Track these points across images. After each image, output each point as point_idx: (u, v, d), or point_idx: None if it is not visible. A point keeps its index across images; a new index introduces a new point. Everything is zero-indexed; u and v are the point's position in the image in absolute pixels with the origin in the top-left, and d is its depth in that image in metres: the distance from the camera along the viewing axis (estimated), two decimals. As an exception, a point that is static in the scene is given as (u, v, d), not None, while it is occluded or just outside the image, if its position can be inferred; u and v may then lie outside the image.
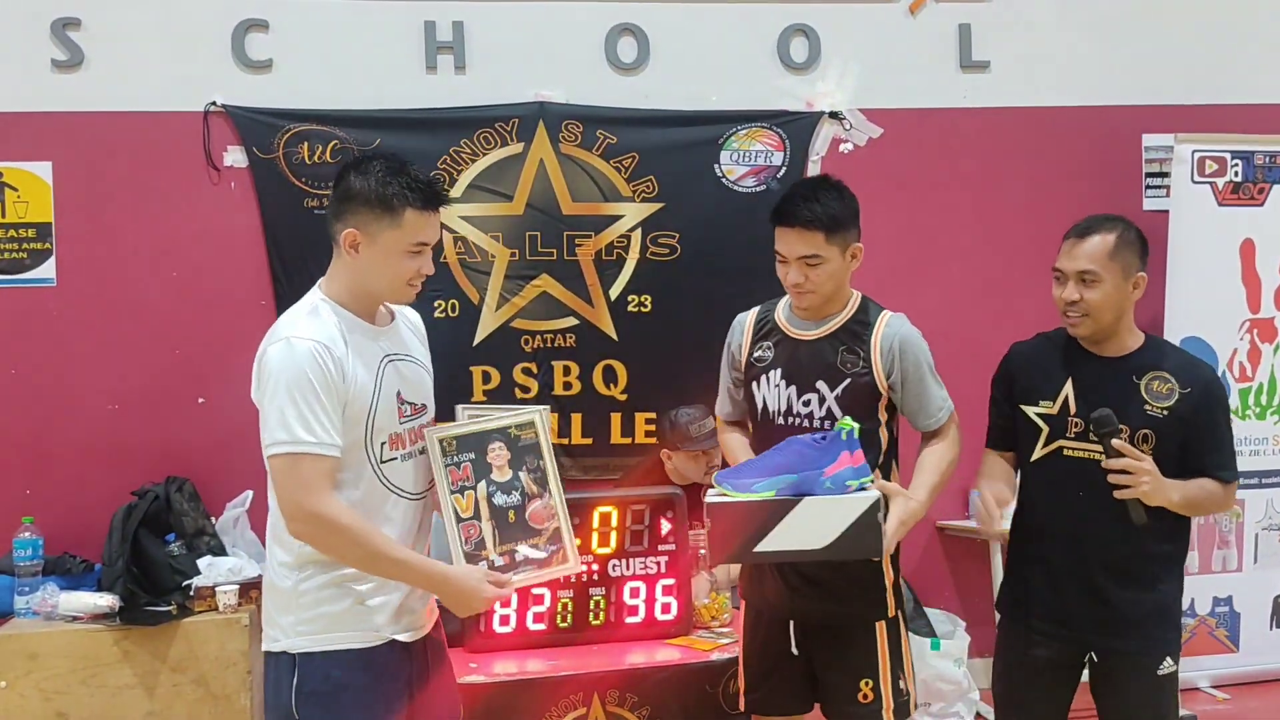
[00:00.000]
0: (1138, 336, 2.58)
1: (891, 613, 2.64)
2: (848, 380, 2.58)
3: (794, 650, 2.64)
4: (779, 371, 2.63)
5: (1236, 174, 4.41)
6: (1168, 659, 2.51)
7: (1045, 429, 2.56)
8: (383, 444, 2.19)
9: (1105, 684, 2.54)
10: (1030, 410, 2.59)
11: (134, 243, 4.07)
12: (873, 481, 2.42)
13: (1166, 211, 4.44)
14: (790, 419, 2.61)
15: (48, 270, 4.02)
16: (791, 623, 2.64)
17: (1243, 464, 4.41)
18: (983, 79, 4.57)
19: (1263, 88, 4.72)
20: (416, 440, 2.27)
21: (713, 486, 2.51)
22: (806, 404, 2.59)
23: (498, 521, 2.32)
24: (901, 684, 2.64)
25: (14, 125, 3.99)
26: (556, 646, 3.21)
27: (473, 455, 2.32)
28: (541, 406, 2.45)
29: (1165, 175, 4.52)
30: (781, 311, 2.72)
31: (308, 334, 2.11)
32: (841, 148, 4.49)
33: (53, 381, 4.03)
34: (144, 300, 4.08)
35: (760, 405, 2.66)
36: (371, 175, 2.16)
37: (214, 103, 4.08)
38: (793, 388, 2.61)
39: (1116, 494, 2.41)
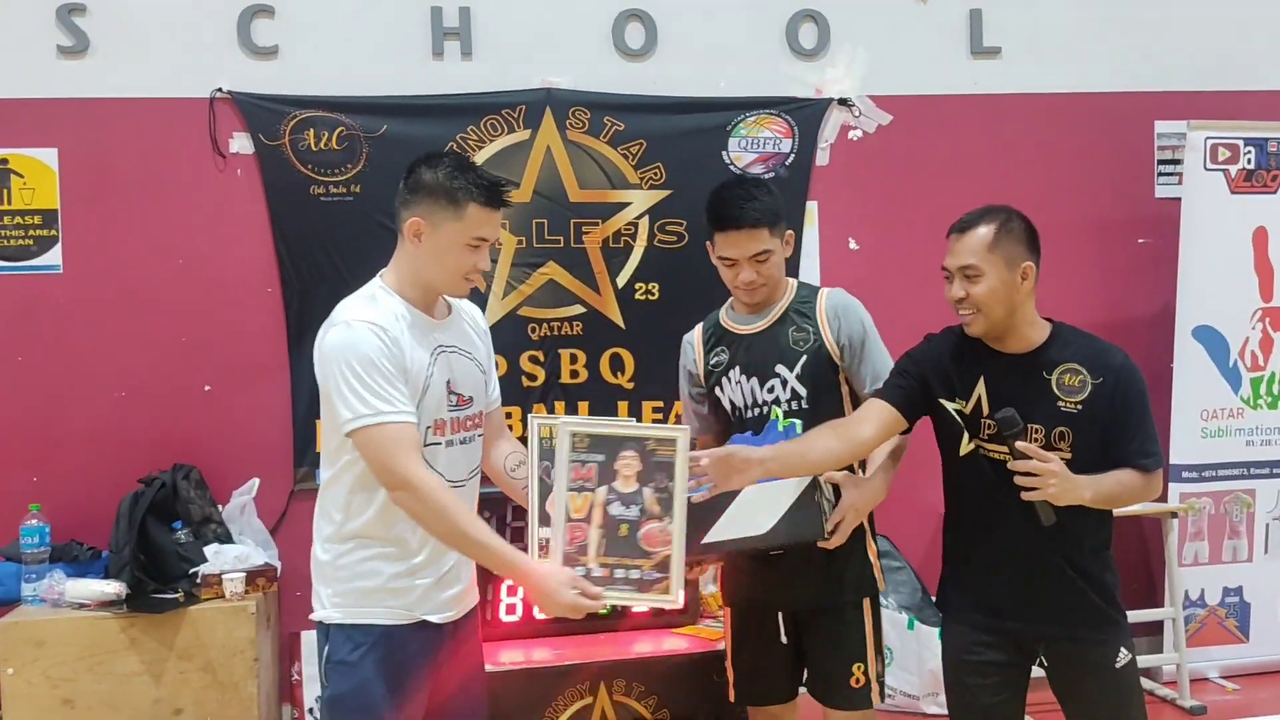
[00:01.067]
0: (1042, 328, 2.49)
1: (882, 587, 2.71)
2: (804, 357, 2.64)
3: (783, 640, 2.65)
4: (737, 369, 2.68)
5: (1249, 161, 4.37)
6: (1122, 649, 2.44)
7: (964, 427, 2.48)
8: (428, 428, 2.26)
9: (1063, 683, 2.48)
10: (949, 405, 2.50)
11: (140, 229, 4.05)
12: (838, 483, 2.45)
13: (1179, 199, 4.42)
14: (757, 409, 2.65)
15: (54, 257, 4.00)
16: (780, 613, 2.65)
17: (1254, 454, 4.46)
18: (993, 65, 4.54)
19: (1275, 75, 4.68)
20: (460, 430, 2.33)
21: None
22: (770, 390, 2.65)
23: (608, 531, 2.27)
24: (879, 664, 2.70)
25: (20, 111, 3.97)
26: (563, 635, 3.22)
27: (601, 458, 2.28)
28: (686, 428, 2.39)
29: (1178, 162, 4.49)
30: (725, 316, 2.80)
31: (365, 317, 2.20)
32: (850, 135, 4.46)
33: (59, 369, 4.01)
34: (150, 287, 4.06)
35: (728, 406, 2.70)
36: (441, 169, 2.28)
37: (220, 89, 4.06)
38: (754, 379, 2.66)
39: (1024, 495, 2.32)
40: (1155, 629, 4.41)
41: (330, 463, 2.30)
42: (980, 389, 2.47)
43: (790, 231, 2.75)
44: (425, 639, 2.27)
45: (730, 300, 2.82)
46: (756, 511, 2.40)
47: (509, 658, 3.02)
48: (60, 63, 3.99)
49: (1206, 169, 4.34)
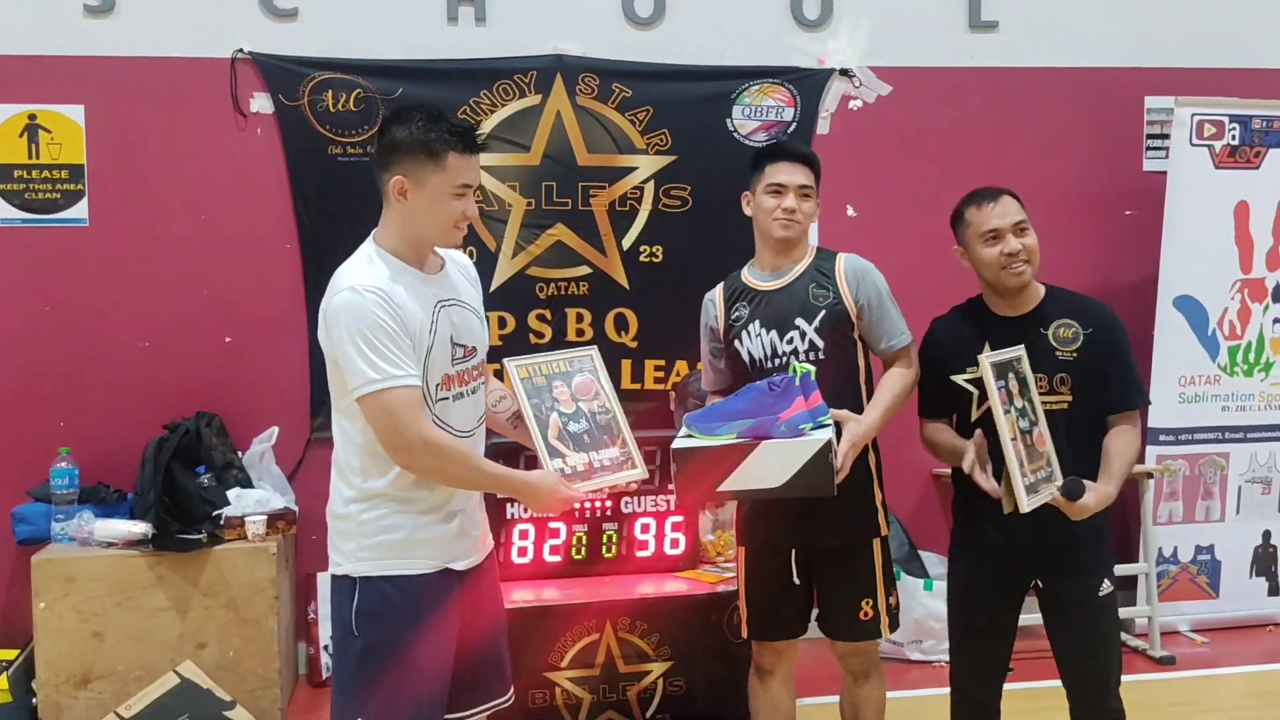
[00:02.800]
0: (1038, 291, 2.76)
1: (885, 530, 2.88)
2: (822, 312, 2.81)
3: (796, 580, 2.82)
4: (758, 322, 2.85)
5: (1234, 137, 4.52)
6: (1105, 581, 2.73)
7: (975, 392, 2.72)
8: (436, 385, 2.32)
9: (1053, 609, 2.77)
10: (959, 379, 2.76)
11: (164, 185, 4.19)
12: (829, 424, 2.60)
13: (1165, 173, 4.57)
14: (777, 360, 2.82)
15: (80, 211, 4.14)
16: (794, 552, 2.82)
17: (1228, 419, 4.65)
18: (991, 39, 4.67)
19: (1262, 53, 4.82)
20: (467, 381, 2.40)
21: (684, 428, 2.69)
22: (790, 342, 2.81)
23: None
24: (891, 600, 2.89)
25: (48, 69, 4.09)
26: (571, 577, 3.40)
27: (1004, 384, 2.53)
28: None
29: (1166, 137, 4.63)
30: (747, 273, 2.96)
31: (369, 282, 2.23)
32: (851, 105, 4.60)
33: (86, 318, 4.16)
34: (173, 241, 4.20)
35: (746, 358, 2.86)
36: (413, 124, 2.28)
37: (241, 50, 4.18)
38: (773, 332, 2.83)
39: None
40: (1129, 584, 4.60)
41: (341, 427, 2.36)
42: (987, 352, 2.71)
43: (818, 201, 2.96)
44: (451, 586, 2.34)
45: (751, 261, 2.97)
46: (773, 466, 2.53)
47: (520, 597, 3.19)
48: (87, 22, 4.11)
49: (1192, 144, 4.49)
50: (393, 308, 2.22)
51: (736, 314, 2.89)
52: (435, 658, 2.33)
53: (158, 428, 4.01)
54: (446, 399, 2.35)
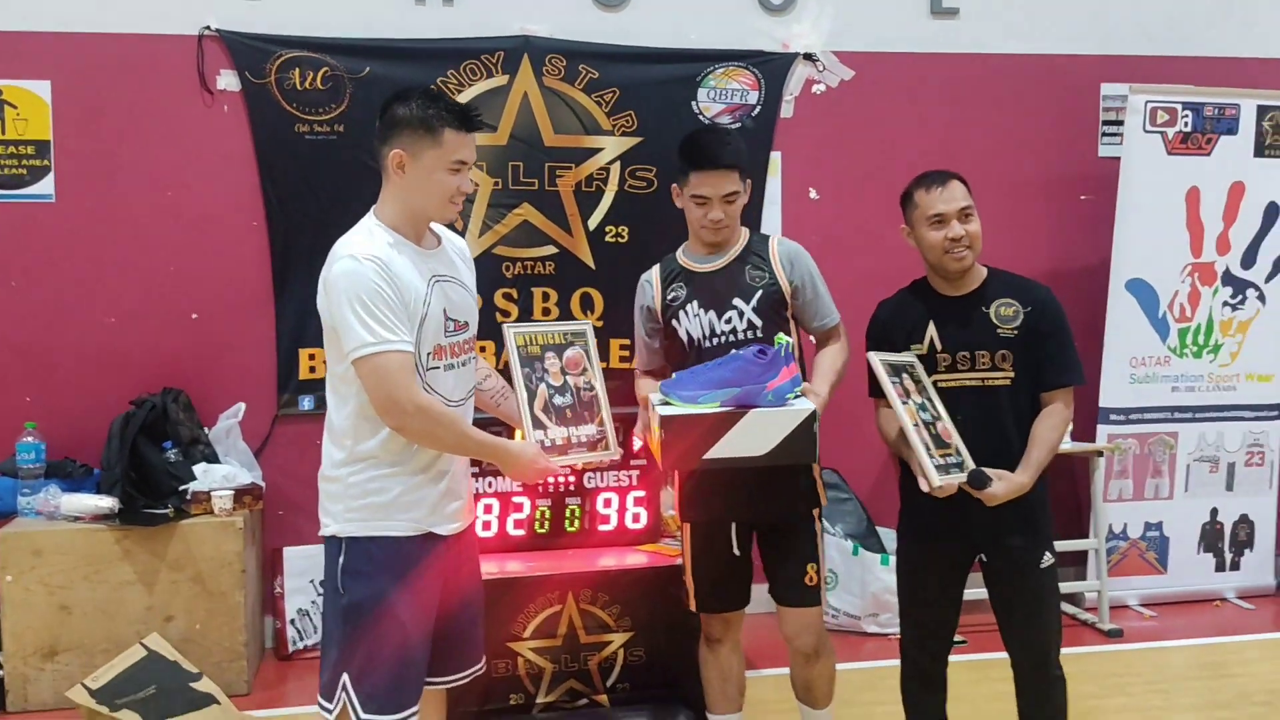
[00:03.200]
0: (981, 272, 2.85)
1: (824, 502, 2.98)
2: (759, 292, 2.91)
3: (736, 551, 2.91)
4: (696, 303, 2.93)
5: (1186, 124, 4.63)
6: (1046, 554, 2.83)
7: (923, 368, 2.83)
8: (429, 354, 2.41)
9: (996, 581, 2.87)
10: (906, 357, 2.84)
11: (130, 161, 4.20)
12: (801, 392, 2.68)
13: (1119, 158, 4.67)
14: (715, 339, 2.91)
15: (46, 186, 4.14)
16: (734, 526, 2.91)
17: (1178, 399, 4.78)
18: (951, 25, 4.75)
19: (1216, 41, 4.93)
20: (458, 354, 2.49)
21: (659, 394, 2.76)
22: (728, 322, 2.90)
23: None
24: (825, 567, 3.00)
25: (14, 44, 4.09)
26: (535, 550, 3.47)
27: (898, 380, 2.67)
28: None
29: (1121, 124, 4.72)
30: (683, 256, 3.03)
31: (368, 251, 2.33)
32: (814, 89, 4.66)
33: (52, 294, 4.17)
34: (140, 217, 4.21)
35: (685, 337, 2.94)
36: (413, 102, 2.39)
37: (208, 27, 4.18)
38: (711, 312, 2.91)
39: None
40: (1080, 559, 4.74)
41: (336, 391, 2.44)
42: (932, 330, 2.82)
43: (749, 180, 2.98)
44: (433, 550, 2.43)
45: (685, 244, 3.05)
46: (759, 434, 2.60)
47: (485, 569, 3.22)
48: (53, -3, 4.11)
49: (1146, 131, 4.59)
50: (390, 276, 2.31)
51: (673, 294, 2.96)
52: (417, 618, 2.41)
53: (124, 403, 4.04)
54: (438, 368, 2.44)
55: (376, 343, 2.28)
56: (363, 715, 2.38)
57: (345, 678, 2.39)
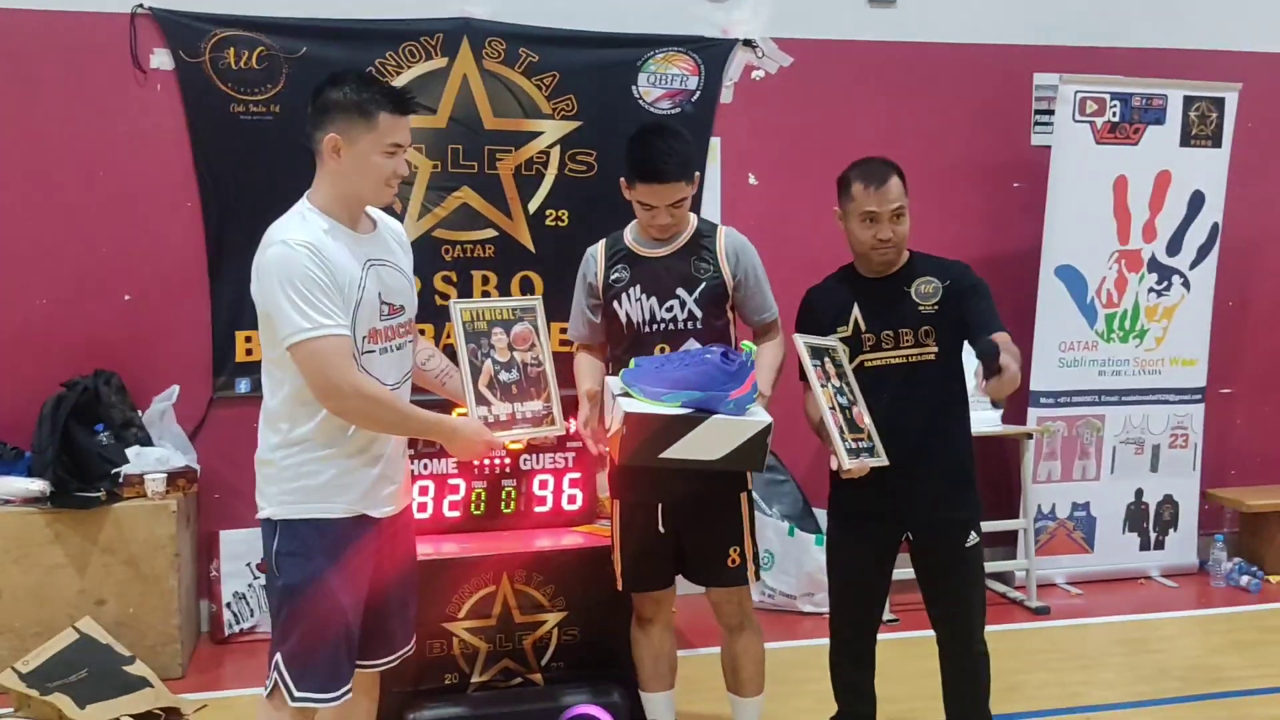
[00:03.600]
0: (904, 255, 2.93)
1: (750, 485, 3.02)
2: (703, 284, 2.93)
3: (661, 530, 2.95)
4: (639, 287, 2.94)
5: (1115, 114, 4.73)
6: (972, 533, 2.92)
7: (847, 350, 2.90)
8: (364, 338, 2.41)
9: (923, 560, 2.96)
10: (831, 339, 2.92)
11: (62, 141, 4.14)
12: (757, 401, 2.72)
13: (1050, 147, 4.77)
14: (655, 326, 2.93)
15: (-26, 166, 4.08)
16: (660, 505, 2.94)
17: (1104, 383, 4.90)
18: (889, 15, 4.82)
19: (1146, 33, 5.04)
20: (392, 338, 2.50)
21: (619, 382, 2.77)
22: (669, 310, 2.93)
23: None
24: (756, 548, 3.03)
25: (-60, 20, 4.02)
26: (471, 532, 3.48)
27: (819, 363, 2.74)
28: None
29: (1052, 113, 4.82)
30: (630, 238, 3.03)
31: (301, 237, 2.32)
32: (753, 75, 4.71)
33: (-19, 275, 4.11)
34: (72, 198, 4.16)
35: (624, 319, 2.96)
36: (347, 86, 2.38)
37: (140, 4, 4.13)
38: (654, 299, 2.93)
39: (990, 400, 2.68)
40: (1010, 539, 4.86)
41: (270, 375, 2.44)
42: (856, 312, 2.90)
43: (698, 174, 2.98)
44: (366, 532, 2.46)
45: (634, 223, 3.04)
46: (715, 440, 2.64)
47: (421, 550, 3.22)
48: (-20, -27, 4.03)
49: (1075, 120, 4.69)
50: (323, 260, 2.31)
51: (616, 275, 2.98)
52: (349, 599, 2.43)
53: (55, 385, 3.99)
54: (373, 352, 2.44)
55: (311, 328, 2.28)
56: (296, 694, 2.40)
57: (279, 657, 2.41)
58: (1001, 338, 2.70)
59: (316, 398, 2.34)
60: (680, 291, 2.93)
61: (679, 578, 3.06)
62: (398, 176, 2.45)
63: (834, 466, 2.71)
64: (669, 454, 2.65)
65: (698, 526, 2.96)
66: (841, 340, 2.88)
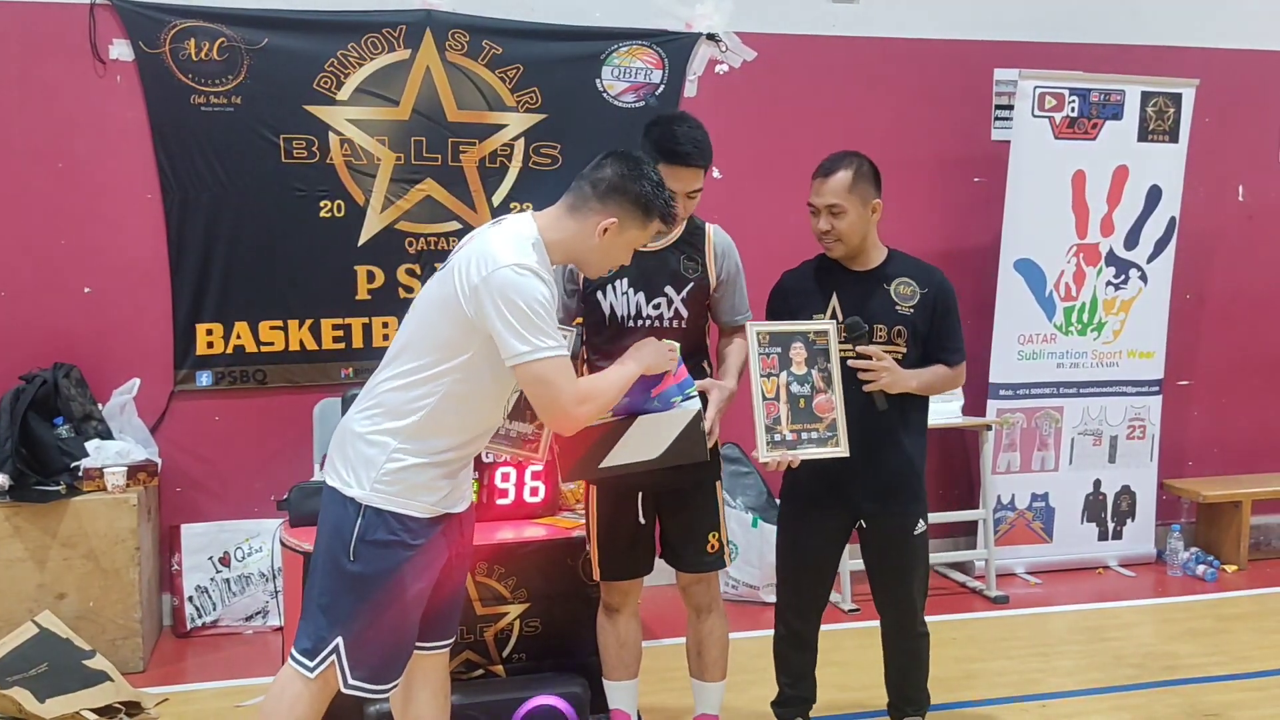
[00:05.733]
0: (882, 251, 3.00)
1: (721, 473, 3.06)
2: (691, 283, 2.95)
3: (642, 520, 2.97)
4: (625, 281, 2.94)
5: (1073, 109, 4.79)
6: (920, 521, 3.02)
7: (841, 332, 2.94)
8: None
9: (872, 545, 3.06)
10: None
11: (19, 132, 4.10)
12: (695, 392, 2.73)
13: (1010, 141, 4.81)
14: (640, 321, 2.94)
15: (-70, 156, 4.04)
16: (640, 494, 2.96)
17: (1063, 375, 4.97)
18: (852, 10, 4.85)
19: (1105, 29, 5.10)
20: None
21: None
22: (656, 307, 2.93)
23: (791, 405, 2.82)
24: (727, 534, 3.08)
25: (-105, 9, 3.97)
26: (432, 524, 3.49)
27: (779, 350, 2.84)
28: (833, 321, 2.92)
29: (1012, 108, 4.87)
30: None
31: (538, 267, 2.38)
32: (717, 69, 4.73)
33: (-63, 267, 4.07)
34: (31, 189, 4.12)
35: (608, 312, 2.96)
36: (644, 181, 2.49)
37: (100, -6, 4.11)
38: (641, 294, 2.94)
39: (865, 388, 2.86)
40: (970, 529, 4.92)
41: (419, 386, 2.40)
42: (834, 302, 2.97)
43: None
44: (445, 529, 2.51)
45: None
46: (650, 438, 2.68)
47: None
48: (-64, -39, 3.99)
49: (1034, 115, 4.74)
50: (548, 288, 2.38)
51: None
52: (419, 596, 2.48)
53: (14, 379, 3.97)
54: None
55: (555, 345, 2.36)
56: (350, 681, 2.42)
57: (339, 641, 2.41)
58: (940, 370, 2.93)
59: (542, 416, 2.50)
60: (669, 289, 2.94)
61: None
62: (621, 265, 2.61)
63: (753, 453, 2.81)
64: (610, 462, 2.70)
65: (677, 513, 3.00)
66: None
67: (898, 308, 2.93)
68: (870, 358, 2.86)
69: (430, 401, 2.41)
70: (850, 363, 2.86)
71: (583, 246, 2.49)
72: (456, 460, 2.49)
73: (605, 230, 2.46)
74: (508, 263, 2.35)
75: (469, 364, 2.40)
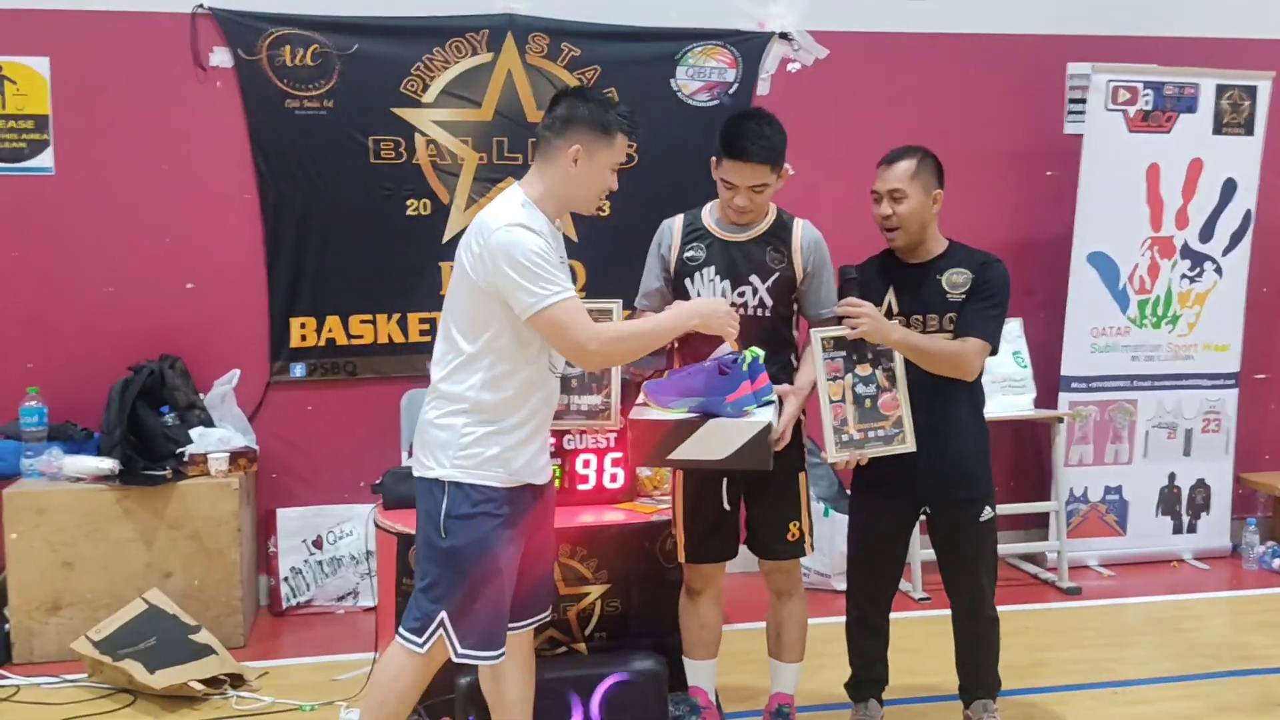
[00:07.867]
0: (942, 243, 3.08)
1: (804, 465, 3.14)
2: (776, 274, 3.04)
3: (726, 506, 3.08)
4: (712, 269, 3.05)
5: (1147, 103, 4.79)
6: (987, 508, 3.09)
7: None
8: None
9: (939, 531, 3.15)
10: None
11: (127, 136, 4.32)
12: (773, 401, 2.86)
13: (1083, 135, 4.83)
14: None
15: (46, 160, 4.27)
16: (725, 480, 3.07)
17: (1138, 368, 4.97)
18: (923, 6, 4.89)
19: (1178, 22, 5.08)
20: None
21: (642, 395, 2.95)
22: (741, 295, 3.03)
23: (858, 406, 2.94)
24: (811, 522, 3.16)
25: (13, 21, 4.20)
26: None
27: (844, 353, 2.94)
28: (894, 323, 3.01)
29: (1084, 102, 4.87)
30: (708, 217, 3.12)
31: (528, 221, 2.50)
32: (789, 67, 4.81)
33: (52, 264, 4.31)
34: (137, 191, 4.35)
35: (694, 298, 3.04)
36: (592, 103, 2.59)
37: (200, 4, 4.30)
38: (726, 282, 3.04)
39: (848, 335, 2.90)
40: (1042, 520, 4.94)
41: (465, 367, 2.55)
42: (890, 295, 3.07)
43: (788, 167, 3.06)
44: (528, 499, 2.63)
45: (714, 203, 3.12)
46: (717, 441, 2.79)
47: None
48: (52, -26, 4.22)
49: (1108, 109, 4.75)
50: (545, 239, 2.51)
51: (691, 254, 3.07)
52: (510, 564, 2.61)
53: (123, 369, 4.18)
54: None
55: (559, 290, 2.46)
56: (460, 650, 2.56)
57: (444, 615, 2.55)
58: (941, 341, 2.97)
59: (568, 358, 2.57)
60: (754, 279, 3.03)
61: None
62: (610, 191, 2.67)
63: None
64: (677, 455, 2.82)
65: (761, 501, 3.10)
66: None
67: (949, 295, 3.01)
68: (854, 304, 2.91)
69: (479, 376, 2.54)
70: (835, 309, 2.95)
71: (565, 185, 2.59)
72: (525, 428, 2.59)
73: (575, 160, 2.56)
74: (498, 225, 2.48)
75: (498, 334, 2.53)
